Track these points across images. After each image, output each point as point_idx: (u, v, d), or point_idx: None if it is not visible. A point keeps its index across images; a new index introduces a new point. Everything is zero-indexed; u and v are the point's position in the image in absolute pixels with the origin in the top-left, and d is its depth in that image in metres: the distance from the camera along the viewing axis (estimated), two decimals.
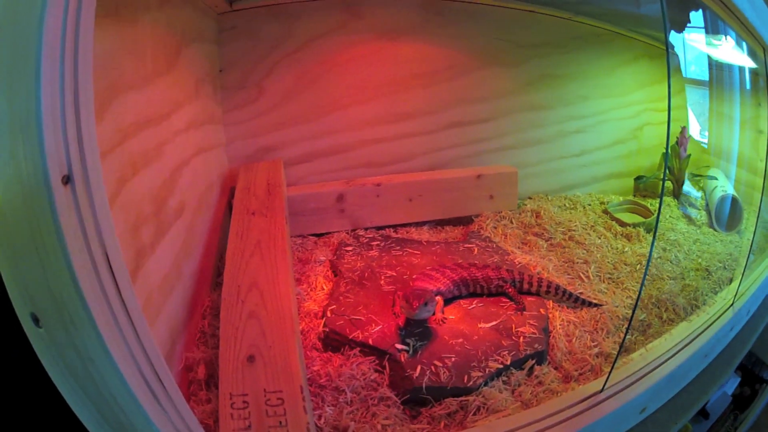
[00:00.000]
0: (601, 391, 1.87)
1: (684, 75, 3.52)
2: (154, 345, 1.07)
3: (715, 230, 3.30)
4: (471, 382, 2.03)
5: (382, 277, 2.87)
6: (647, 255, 2.93)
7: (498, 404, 1.91)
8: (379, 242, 3.32)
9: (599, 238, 3.18)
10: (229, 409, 1.46)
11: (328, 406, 1.99)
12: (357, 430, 1.87)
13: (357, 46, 3.35)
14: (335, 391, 2.08)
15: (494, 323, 2.47)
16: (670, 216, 3.50)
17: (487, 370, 2.09)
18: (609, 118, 3.92)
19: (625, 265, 2.89)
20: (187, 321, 2.11)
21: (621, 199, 3.76)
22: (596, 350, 2.19)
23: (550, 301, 2.58)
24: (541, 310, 2.47)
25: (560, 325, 2.38)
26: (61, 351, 0.93)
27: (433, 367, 2.17)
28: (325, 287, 2.87)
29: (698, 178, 3.61)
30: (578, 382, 2.01)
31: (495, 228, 3.38)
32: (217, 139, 3.27)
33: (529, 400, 1.93)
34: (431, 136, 3.64)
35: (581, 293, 2.59)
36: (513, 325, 2.34)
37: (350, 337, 2.37)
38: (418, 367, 2.17)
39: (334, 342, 2.41)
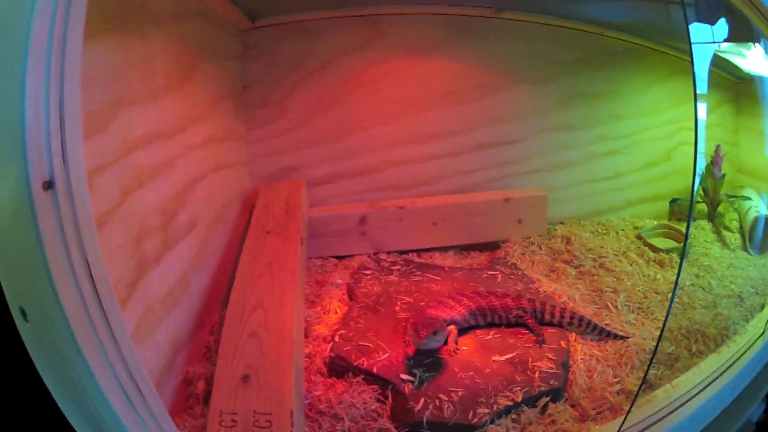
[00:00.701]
0: None
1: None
2: (132, 349, 1.17)
3: (749, 253, 3.25)
4: (476, 419, 2.02)
5: (398, 303, 2.90)
6: (682, 283, 2.89)
7: None
8: (400, 267, 3.34)
9: (631, 265, 3.15)
10: (217, 426, 1.54)
11: None
12: None
13: (381, 64, 3.47)
14: (333, 419, 2.11)
15: (510, 356, 2.31)
16: (704, 240, 3.45)
17: (495, 406, 2.05)
18: (643, 138, 3.90)
19: (657, 293, 2.84)
20: (193, 335, 2.19)
21: (655, 223, 3.72)
22: (618, 387, 2.14)
23: (573, 333, 2.54)
24: (562, 342, 2.43)
25: (581, 359, 2.32)
26: (44, 346, 1.01)
27: (437, 401, 2.07)
28: (339, 311, 2.93)
29: (733, 199, 3.54)
30: (595, 422, 1.96)
31: (522, 254, 3.37)
32: (239, 156, 3.41)
33: None
34: (458, 158, 3.72)
35: (607, 324, 2.56)
36: (530, 359, 2.29)
37: (355, 363, 2.40)
38: (422, 400, 2.16)
39: (339, 367, 2.45)
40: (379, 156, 3.62)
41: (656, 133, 3.90)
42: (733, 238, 3.41)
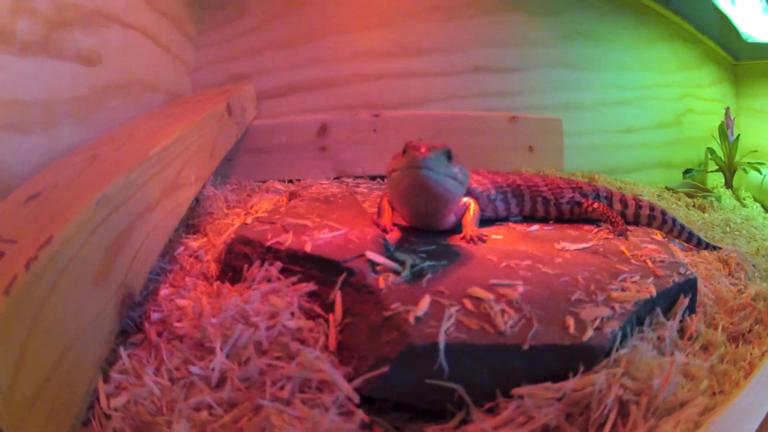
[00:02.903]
0: None
1: None
2: None
3: None
4: (587, 335, 0.71)
5: (366, 201, 1.36)
6: (731, 220, 1.98)
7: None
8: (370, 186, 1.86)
9: (672, 206, 2.10)
10: None
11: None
12: None
13: None
14: (198, 349, 0.72)
15: (584, 245, 1.06)
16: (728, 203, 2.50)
17: (617, 307, 0.78)
18: (652, 95, 2.82)
19: (714, 226, 1.88)
20: None
21: (679, 182, 2.73)
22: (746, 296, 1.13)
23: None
24: (654, 236, 1.30)
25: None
26: None
27: (468, 303, 0.73)
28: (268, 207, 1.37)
29: (752, 164, 2.61)
30: (750, 344, 0.99)
31: None
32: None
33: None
34: (450, 78, 2.39)
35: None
36: (624, 248, 1.09)
37: (269, 244, 0.91)
38: (424, 300, 0.72)
39: (238, 261, 0.94)
40: (350, 67, 2.30)
41: (664, 92, 2.84)
42: (755, 207, 2.50)
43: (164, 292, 0.90)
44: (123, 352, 0.73)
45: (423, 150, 0.87)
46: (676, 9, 2.85)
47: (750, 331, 1.04)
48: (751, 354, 0.93)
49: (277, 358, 0.68)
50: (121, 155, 0.90)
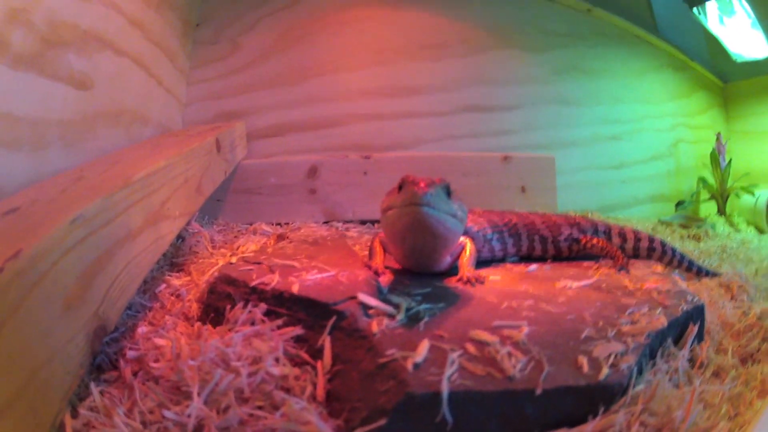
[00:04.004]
0: None
1: None
2: None
3: None
4: (603, 373, 0.66)
5: (357, 245, 1.31)
6: (727, 245, 2.00)
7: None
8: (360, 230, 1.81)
9: (667, 239, 1.94)
10: None
11: None
12: None
13: (355, 8, 2.31)
14: (175, 392, 0.65)
15: (587, 282, 1.02)
16: (722, 231, 2.50)
17: (629, 341, 0.74)
18: (645, 127, 2.84)
19: (711, 254, 1.87)
20: None
21: (672, 215, 2.72)
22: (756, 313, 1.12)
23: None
24: (654, 267, 1.29)
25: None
26: None
27: (470, 347, 0.67)
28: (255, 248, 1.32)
29: (744, 189, 2.64)
30: (760, 362, 0.96)
31: None
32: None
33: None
34: (443, 118, 2.37)
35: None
36: (627, 282, 1.06)
37: (253, 285, 0.86)
38: (423, 345, 0.66)
39: (221, 301, 0.89)
40: (343, 107, 2.28)
41: (657, 123, 2.86)
42: (749, 231, 2.52)
43: (142, 329, 0.84)
44: (95, 389, 0.66)
45: (422, 185, 0.82)
46: (666, 37, 2.88)
47: (759, 350, 1.02)
48: (761, 373, 0.90)
49: (260, 408, 0.61)
50: (104, 178, 0.86)
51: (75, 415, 0.62)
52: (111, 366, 0.76)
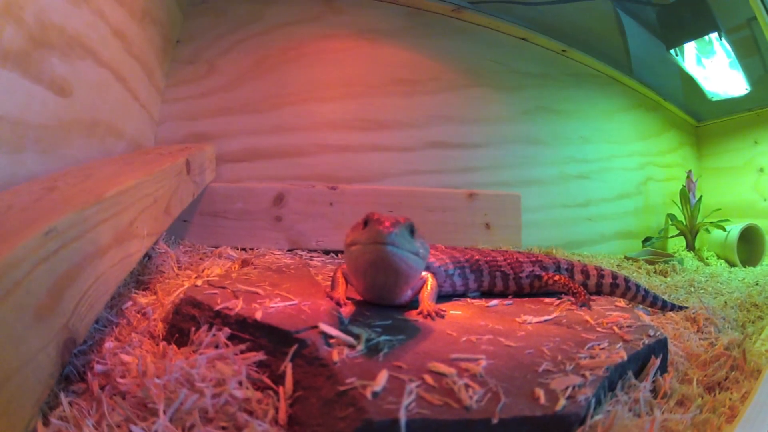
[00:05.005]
0: None
1: None
2: None
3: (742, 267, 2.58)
4: (559, 404, 0.69)
5: (320, 275, 1.35)
6: (695, 279, 2.08)
7: None
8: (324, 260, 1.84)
9: (633, 274, 2.13)
10: None
11: None
12: None
13: (329, 41, 2.38)
14: (141, 408, 0.67)
15: (547, 318, 1.07)
16: (693, 263, 2.62)
17: (587, 374, 0.78)
18: (612, 166, 2.93)
19: (678, 288, 1.90)
20: None
21: (639, 251, 2.76)
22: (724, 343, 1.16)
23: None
24: (618, 303, 1.34)
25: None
26: None
27: (428, 378, 0.71)
28: (220, 273, 1.33)
29: (714, 224, 2.73)
30: (728, 390, 1.00)
31: None
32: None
33: None
34: (409, 153, 2.44)
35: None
36: (588, 317, 1.10)
37: (217, 309, 0.88)
38: (382, 375, 0.70)
39: (186, 323, 0.91)
40: (312, 136, 2.33)
41: (625, 163, 2.97)
42: (719, 264, 2.63)
43: (109, 344, 0.86)
44: (64, 399, 0.68)
45: (387, 225, 0.87)
46: (640, 78, 2.95)
47: (726, 378, 1.04)
48: (730, 399, 0.93)
49: (224, 429, 0.64)
50: (76, 192, 0.88)
51: (46, 423, 0.63)
52: (79, 378, 0.77)
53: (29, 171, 1.05)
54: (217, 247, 1.83)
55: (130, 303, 1.06)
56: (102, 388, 0.73)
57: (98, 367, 0.77)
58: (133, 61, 1.67)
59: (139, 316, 1.01)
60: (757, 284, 2.07)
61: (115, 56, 1.50)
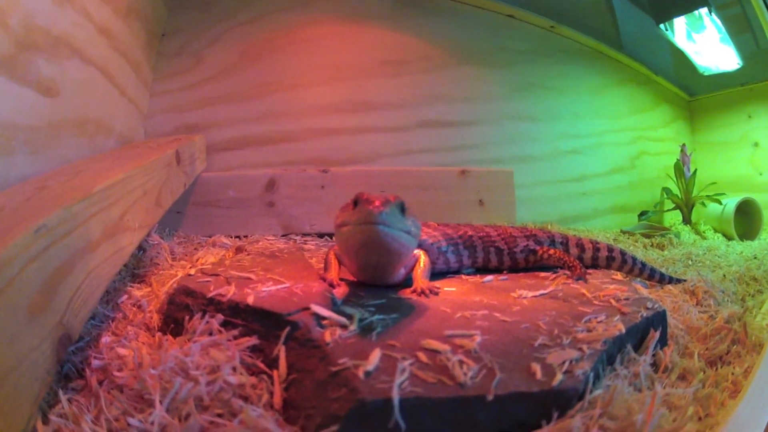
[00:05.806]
0: None
1: None
2: None
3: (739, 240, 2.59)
4: (556, 379, 0.69)
5: (314, 258, 1.35)
6: (692, 253, 2.04)
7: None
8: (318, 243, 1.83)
9: (630, 247, 2.11)
10: None
11: None
12: None
13: (316, 26, 2.37)
14: (138, 400, 0.67)
15: (542, 292, 1.07)
16: (687, 239, 2.59)
17: (585, 348, 0.77)
18: (605, 141, 2.96)
19: (675, 261, 1.89)
20: None
21: (635, 225, 2.79)
22: (719, 322, 1.12)
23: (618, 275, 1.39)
24: (614, 276, 1.32)
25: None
26: None
27: (422, 356, 0.71)
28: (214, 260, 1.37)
29: (710, 198, 2.74)
30: (731, 364, 0.98)
31: None
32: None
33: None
34: (401, 133, 2.45)
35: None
36: (585, 291, 1.08)
37: (210, 296, 0.89)
38: (374, 354, 0.70)
39: (180, 312, 0.91)
40: (302, 122, 2.33)
41: (617, 137, 3.01)
42: (717, 238, 2.63)
43: (106, 339, 0.87)
44: (63, 396, 0.69)
45: (377, 204, 0.86)
46: (631, 52, 2.96)
47: (728, 352, 1.03)
48: (732, 374, 0.92)
49: (219, 416, 0.64)
50: (66, 189, 0.89)
51: (46, 421, 0.64)
52: (78, 375, 0.78)
53: (21, 173, 1.06)
54: (211, 237, 1.84)
55: (125, 296, 1.07)
56: (100, 383, 0.74)
57: (95, 362, 0.78)
58: (119, 57, 1.67)
59: (134, 309, 1.02)
60: (755, 258, 2.08)
61: (102, 54, 1.50)
